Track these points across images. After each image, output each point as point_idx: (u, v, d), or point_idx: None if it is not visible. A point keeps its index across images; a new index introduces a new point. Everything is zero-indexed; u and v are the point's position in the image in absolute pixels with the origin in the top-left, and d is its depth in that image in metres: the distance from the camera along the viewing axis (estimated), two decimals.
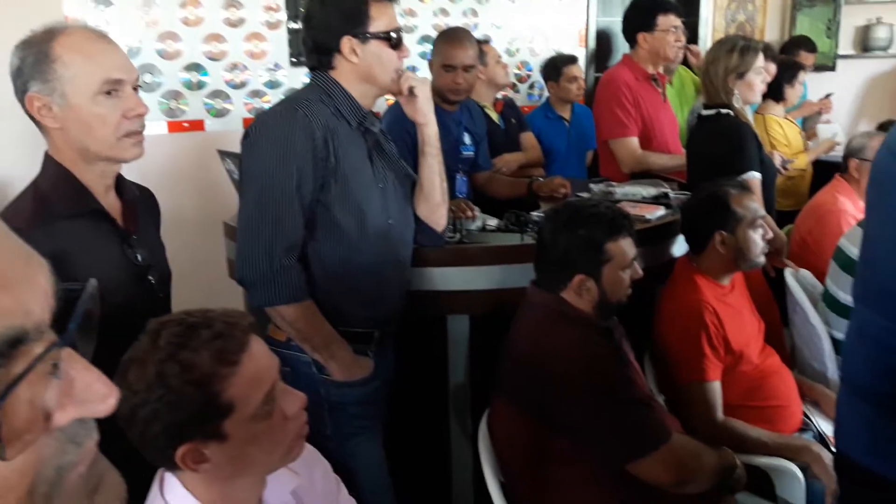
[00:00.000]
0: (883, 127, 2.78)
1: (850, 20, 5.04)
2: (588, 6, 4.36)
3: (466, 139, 2.69)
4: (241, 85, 3.42)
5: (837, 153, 4.12)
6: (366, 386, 1.67)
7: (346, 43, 1.62)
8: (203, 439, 0.95)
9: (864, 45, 5.00)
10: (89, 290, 0.49)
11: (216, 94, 3.37)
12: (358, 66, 1.63)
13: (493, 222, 2.28)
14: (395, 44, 1.65)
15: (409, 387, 1.89)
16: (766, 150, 2.59)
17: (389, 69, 1.65)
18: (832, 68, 5.01)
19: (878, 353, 1.26)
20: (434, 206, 1.82)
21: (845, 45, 5.08)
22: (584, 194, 2.55)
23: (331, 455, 1.29)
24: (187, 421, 0.94)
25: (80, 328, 0.47)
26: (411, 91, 1.69)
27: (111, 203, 1.39)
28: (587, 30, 4.46)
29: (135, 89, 1.34)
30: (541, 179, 2.80)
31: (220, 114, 3.39)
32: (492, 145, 3.04)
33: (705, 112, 2.54)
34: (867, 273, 1.33)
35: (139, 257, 1.39)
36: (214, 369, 0.95)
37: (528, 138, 3.55)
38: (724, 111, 2.47)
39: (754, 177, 2.36)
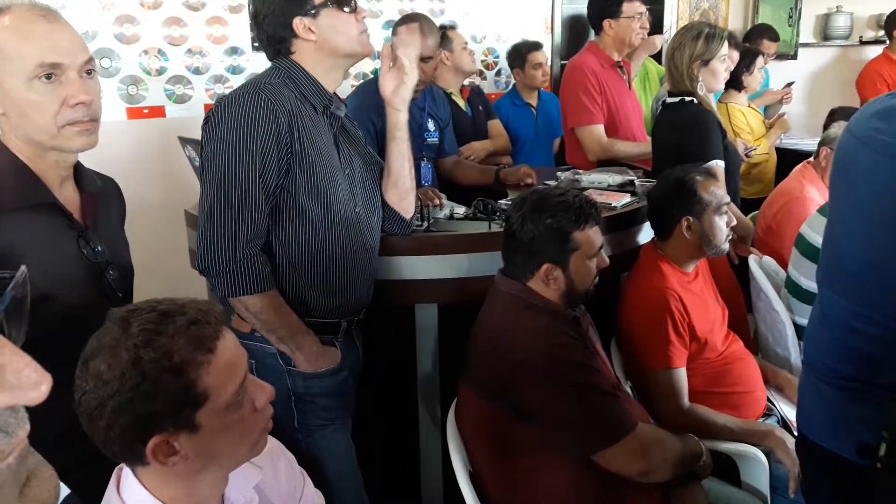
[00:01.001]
0: (833, 114, 2.82)
1: (811, 9, 5.13)
2: None
3: (430, 125, 2.66)
4: (203, 70, 3.35)
5: (797, 140, 4.20)
6: (333, 377, 1.65)
7: (299, 24, 1.58)
8: (175, 430, 0.93)
9: (825, 33, 5.09)
10: (18, 276, 0.48)
11: (177, 79, 3.30)
12: (318, 43, 1.59)
13: (460, 210, 2.27)
14: (348, 5, 1.60)
15: (378, 377, 1.88)
16: (729, 138, 2.62)
17: (350, 34, 1.60)
18: (794, 56, 5.09)
19: (840, 336, 1.28)
20: (403, 192, 1.79)
21: (806, 33, 5.16)
22: (551, 182, 2.55)
23: (297, 447, 1.27)
24: (162, 410, 0.91)
25: (8, 314, 0.45)
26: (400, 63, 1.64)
27: (68, 195, 1.32)
28: (553, 16, 4.46)
29: (88, 74, 1.26)
30: (508, 167, 2.80)
31: (180, 100, 3.31)
32: (459, 132, 3.02)
33: (670, 100, 2.55)
34: (830, 257, 1.35)
35: (96, 253, 1.32)
36: (191, 356, 0.92)
37: (495, 126, 3.54)
38: (688, 99, 2.48)
39: (718, 164, 2.38)
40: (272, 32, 1.61)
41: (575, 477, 1.53)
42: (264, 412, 1.03)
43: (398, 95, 1.70)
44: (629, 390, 1.93)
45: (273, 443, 1.16)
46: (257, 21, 1.63)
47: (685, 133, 2.44)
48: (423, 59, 2.50)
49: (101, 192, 1.40)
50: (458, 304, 1.90)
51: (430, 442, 2.04)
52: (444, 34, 3.30)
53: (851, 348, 1.25)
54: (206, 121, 1.58)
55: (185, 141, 2.39)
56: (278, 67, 1.63)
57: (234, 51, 3.41)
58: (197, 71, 3.34)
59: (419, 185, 2.32)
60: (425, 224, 2.08)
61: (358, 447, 1.73)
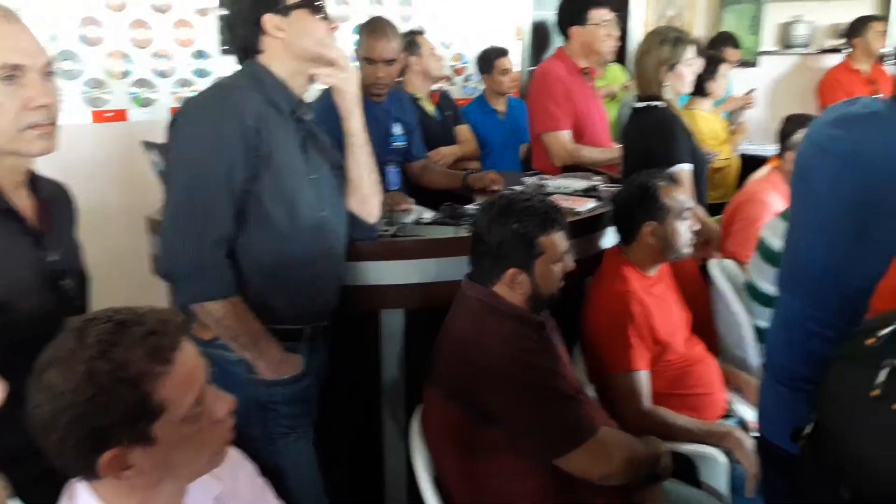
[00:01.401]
0: (789, 121, 2.89)
1: (773, 18, 5.24)
2: None
3: (397, 129, 2.66)
4: (168, 74, 3.31)
5: (759, 145, 4.28)
6: (296, 384, 1.64)
7: (269, 21, 1.57)
8: (130, 444, 0.91)
9: (786, 41, 5.20)
10: None
11: (141, 82, 3.26)
12: (286, 42, 1.58)
13: (428, 215, 2.28)
14: (320, 12, 1.60)
15: (343, 383, 1.87)
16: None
17: (319, 39, 1.60)
18: (755, 64, 5.20)
19: (799, 339, 1.31)
20: (363, 198, 1.79)
21: (768, 41, 5.27)
22: (518, 187, 2.57)
23: (258, 456, 1.26)
24: (116, 423, 0.89)
25: None
26: (337, 70, 1.64)
27: (22, 201, 1.29)
28: (523, 23, 4.50)
29: (48, 76, 1.23)
30: (476, 172, 2.81)
31: (145, 103, 3.27)
32: (427, 137, 3.03)
33: (638, 105, 2.59)
34: (791, 262, 1.39)
35: (52, 260, 1.29)
36: (148, 368, 0.91)
37: (463, 131, 3.56)
38: (656, 104, 2.52)
39: (686, 168, 2.42)
40: (242, 29, 1.60)
41: (538, 481, 1.55)
42: (224, 423, 1.02)
43: (343, 100, 1.69)
44: (594, 394, 1.95)
45: (233, 453, 1.15)
46: (228, 19, 1.63)
47: (653, 138, 2.48)
48: (387, 62, 2.51)
49: (54, 198, 1.38)
50: (425, 310, 1.90)
51: (395, 447, 2.04)
52: (413, 39, 3.31)
53: (810, 351, 1.29)
54: (173, 122, 1.56)
55: (149, 146, 2.36)
56: (246, 70, 1.62)
57: (200, 54, 3.38)
58: (162, 74, 3.30)
59: (387, 189, 2.32)
60: (392, 229, 2.09)
61: (322, 453, 1.73)
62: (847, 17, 4.74)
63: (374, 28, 2.57)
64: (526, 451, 1.54)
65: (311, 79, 1.67)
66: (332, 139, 1.77)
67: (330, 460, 1.76)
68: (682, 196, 2.10)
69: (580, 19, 3.06)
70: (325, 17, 1.62)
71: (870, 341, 0.80)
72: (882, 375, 0.76)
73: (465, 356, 1.57)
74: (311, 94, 2.00)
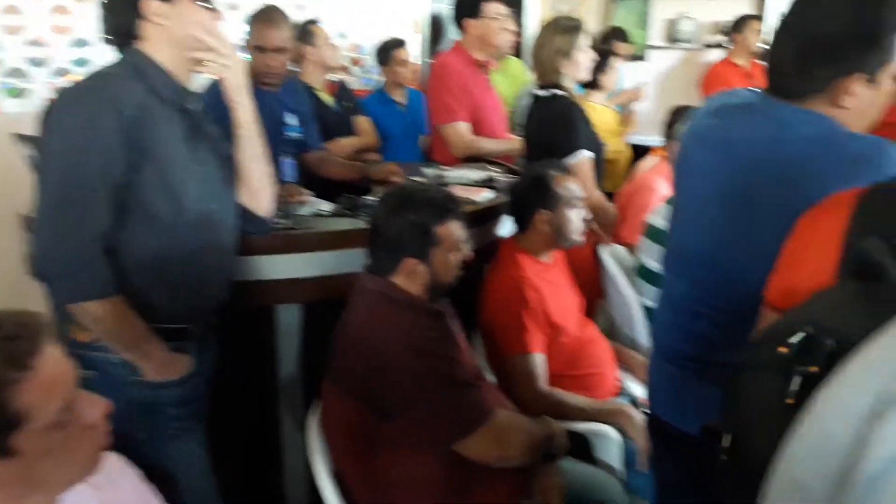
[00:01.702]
0: (675, 112, 3.04)
1: (660, 14, 5.48)
2: None
3: (290, 120, 2.61)
4: (44, 62, 3.11)
5: (649, 136, 4.47)
6: (184, 385, 1.58)
7: (148, 6, 1.50)
8: None
9: (672, 36, 5.45)
10: None
11: (14, 72, 3.04)
12: (167, 29, 1.52)
13: (326, 207, 2.25)
14: (205, 1, 1.55)
15: (237, 381, 1.82)
16: None
17: (203, 27, 1.54)
18: (644, 58, 5.42)
19: (685, 319, 1.37)
20: (254, 191, 1.75)
21: (656, 36, 5.50)
22: (417, 179, 2.57)
23: (146, 460, 1.21)
24: None
25: None
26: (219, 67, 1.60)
27: None
28: (421, 15, 4.50)
29: None
30: (375, 164, 2.80)
31: (18, 94, 3.06)
32: (326, 129, 2.99)
33: (538, 94, 2.65)
34: (673, 246, 1.45)
35: None
36: (4, 374, 0.85)
37: (362, 122, 3.53)
38: (555, 92, 2.58)
39: (586, 155, 2.49)
40: (120, 15, 1.53)
41: (437, 469, 1.56)
42: (97, 429, 0.97)
43: (230, 89, 1.64)
44: (494, 379, 1.99)
45: (114, 459, 1.09)
46: (105, 4, 1.54)
47: (553, 126, 2.54)
48: (278, 51, 2.46)
49: None
50: (324, 303, 1.88)
51: (293, 446, 2.00)
52: (308, 29, 3.25)
53: (693, 331, 1.35)
54: (48, 112, 1.47)
55: (23, 139, 2.22)
56: (127, 58, 1.55)
57: (79, 42, 3.18)
58: (37, 63, 3.09)
59: (281, 181, 2.27)
60: (289, 221, 2.04)
61: (217, 454, 1.68)
62: (728, 14, 5.02)
63: (264, 16, 2.53)
64: (423, 440, 1.55)
65: (196, 67, 1.61)
66: (223, 130, 1.71)
67: (225, 461, 1.71)
68: (573, 185, 2.17)
69: (474, 12, 3.09)
70: (208, 3, 1.56)
71: (781, 349, 0.80)
72: (795, 383, 0.76)
73: (363, 349, 1.56)
74: (204, 83, 1.93)
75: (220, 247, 1.65)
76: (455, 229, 1.68)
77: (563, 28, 2.61)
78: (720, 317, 1.29)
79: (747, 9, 5.12)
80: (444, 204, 1.66)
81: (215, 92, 1.98)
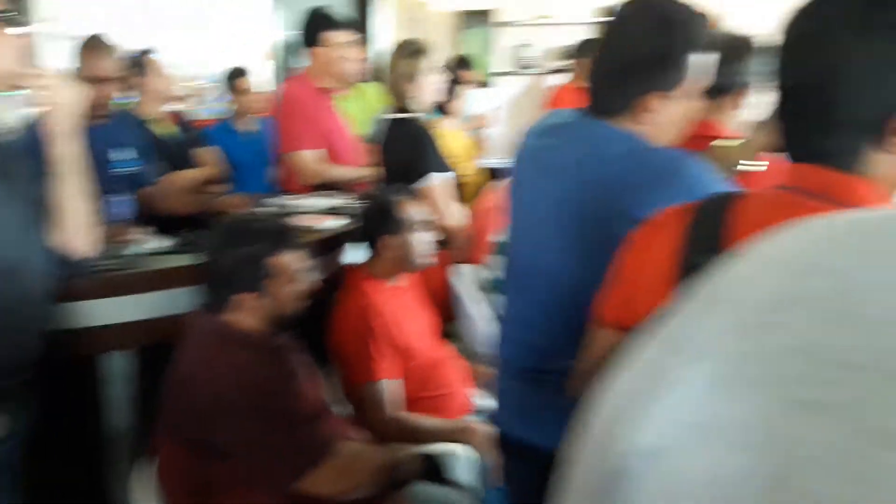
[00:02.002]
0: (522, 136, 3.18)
1: (506, 41, 5.72)
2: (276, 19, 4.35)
3: (121, 154, 2.47)
4: None
5: (499, 160, 4.62)
6: None
7: None
8: None
9: (519, 63, 5.70)
10: None
11: None
12: None
13: (163, 244, 2.14)
14: (15, 25, 1.43)
15: (59, 439, 1.67)
16: None
17: (11, 56, 1.43)
18: (492, 84, 5.63)
19: (521, 333, 1.40)
20: (71, 232, 1.61)
21: (503, 63, 5.73)
22: (259, 209, 2.51)
23: None
24: None
25: None
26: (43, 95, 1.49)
27: None
28: (273, 42, 4.44)
29: None
30: (222, 196, 2.70)
31: None
32: (165, 161, 2.86)
33: (389, 118, 2.66)
34: (509, 261, 1.49)
35: None
36: None
37: (204, 153, 3.41)
38: (406, 116, 2.60)
39: (439, 177, 2.52)
40: None
41: None
42: None
43: (48, 123, 1.53)
44: (349, 409, 1.95)
45: None
46: None
47: (404, 150, 2.56)
48: (105, 81, 2.34)
49: None
50: (160, 347, 1.77)
51: (122, 498, 1.87)
52: (141, 60, 3.11)
53: (532, 344, 1.38)
54: None
55: None
56: None
57: None
58: None
59: (109, 220, 2.13)
60: (112, 262, 1.91)
61: None
62: (570, 40, 5.30)
63: (91, 46, 2.42)
64: (263, 481, 1.49)
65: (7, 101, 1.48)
66: (41, 167, 1.57)
67: None
68: (418, 209, 2.19)
69: (317, 41, 3.07)
70: (21, 32, 1.44)
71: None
72: None
73: (195, 392, 1.49)
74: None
75: (25, 296, 1.50)
76: (292, 259, 1.64)
77: (407, 52, 2.66)
78: (557, 330, 1.33)
79: (588, 34, 5.44)
80: (277, 234, 1.63)
81: (32, 128, 1.84)
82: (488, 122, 4.70)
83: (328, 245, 2.26)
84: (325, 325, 2.05)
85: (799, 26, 0.88)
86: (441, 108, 4.06)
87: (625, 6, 1.26)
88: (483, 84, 5.44)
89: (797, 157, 0.91)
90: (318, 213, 2.49)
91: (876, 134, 0.83)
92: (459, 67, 4.83)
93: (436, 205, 2.47)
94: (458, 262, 2.70)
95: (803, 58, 0.87)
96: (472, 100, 4.66)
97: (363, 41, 3.75)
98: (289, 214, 2.36)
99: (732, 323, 0.27)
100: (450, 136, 4.07)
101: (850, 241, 0.28)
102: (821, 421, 0.22)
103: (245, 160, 3.69)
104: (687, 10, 1.22)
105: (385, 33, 5.18)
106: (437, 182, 2.53)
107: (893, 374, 0.22)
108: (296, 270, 1.65)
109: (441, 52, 5.47)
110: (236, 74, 3.76)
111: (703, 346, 0.27)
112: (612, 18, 1.28)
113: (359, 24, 4.45)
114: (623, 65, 1.23)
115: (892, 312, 0.23)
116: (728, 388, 0.25)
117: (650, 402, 0.27)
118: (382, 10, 5.28)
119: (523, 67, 5.71)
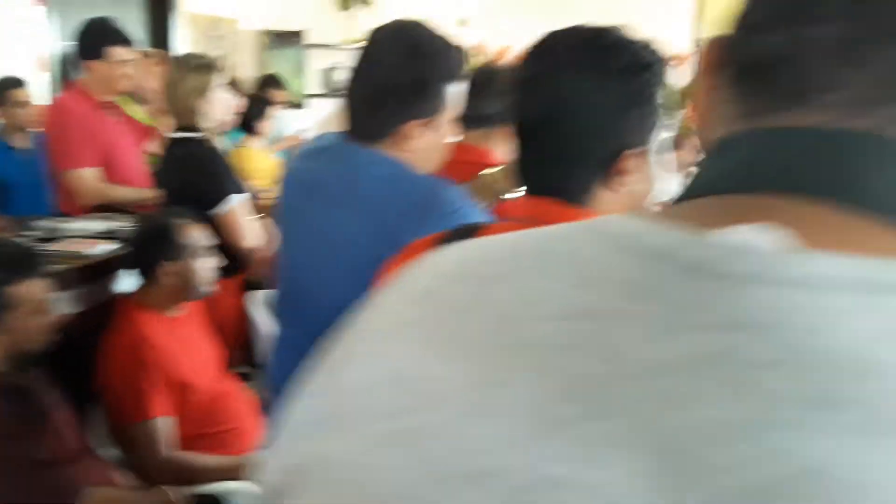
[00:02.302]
0: None
1: (317, 63, 5.69)
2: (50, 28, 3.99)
3: None
4: None
5: None
6: None
7: None
8: None
9: (330, 85, 5.68)
10: None
11: None
12: None
13: None
14: None
15: None
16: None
17: None
18: (302, 105, 5.57)
19: (290, 359, 1.35)
20: None
21: (313, 85, 5.69)
22: (19, 233, 2.26)
23: None
24: None
25: None
26: None
27: None
28: (48, 53, 4.06)
29: None
30: None
31: None
32: None
33: (174, 136, 2.47)
34: (280, 286, 1.45)
35: None
36: None
37: None
38: (192, 136, 2.42)
39: (237, 200, 2.37)
40: None
41: None
42: None
43: None
44: (116, 451, 1.79)
45: None
46: None
47: (196, 172, 2.37)
48: None
49: None
50: None
51: None
52: None
53: (292, 366, 1.34)
54: None
55: None
56: None
57: None
58: None
59: None
60: None
61: None
62: None
63: None
64: None
65: None
66: None
67: None
68: (198, 234, 2.07)
69: (97, 54, 2.84)
70: None
71: None
72: None
73: None
74: None
75: None
76: (36, 289, 1.49)
77: (195, 66, 2.48)
78: (310, 350, 1.31)
79: None
80: (20, 261, 1.47)
81: None
82: (298, 144, 4.63)
83: (98, 272, 2.07)
84: (92, 360, 1.88)
85: (536, 63, 0.93)
86: (249, 128, 3.93)
87: (377, 31, 1.28)
88: (296, 105, 5.36)
89: (533, 190, 0.95)
90: (89, 238, 2.29)
91: (605, 171, 0.88)
92: (269, 87, 4.74)
93: (238, 228, 2.35)
94: (255, 287, 2.59)
95: (539, 95, 0.91)
96: (283, 120, 4.57)
97: (163, 58, 3.52)
98: (54, 239, 2.15)
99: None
100: (256, 156, 3.95)
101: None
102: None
103: (20, 179, 3.34)
104: (440, 39, 1.26)
105: (186, 51, 4.95)
106: (236, 204, 2.40)
107: None
108: (41, 301, 1.49)
109: (248, 71, 5.35)
110: (10, 85, 3.41)
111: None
112: (365, 43, 1.29)
113: (156, 41, 4.23)
114: (378, 91, 1.24)
115: None
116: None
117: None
118: (183, 27, 5.05)
119: (335, 90, 5.70)
